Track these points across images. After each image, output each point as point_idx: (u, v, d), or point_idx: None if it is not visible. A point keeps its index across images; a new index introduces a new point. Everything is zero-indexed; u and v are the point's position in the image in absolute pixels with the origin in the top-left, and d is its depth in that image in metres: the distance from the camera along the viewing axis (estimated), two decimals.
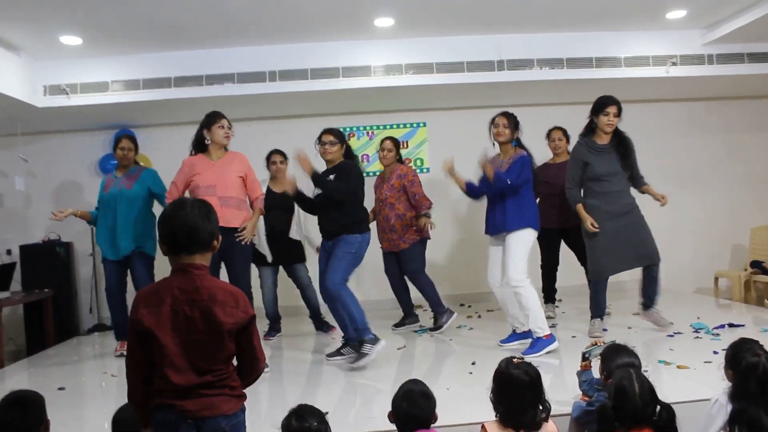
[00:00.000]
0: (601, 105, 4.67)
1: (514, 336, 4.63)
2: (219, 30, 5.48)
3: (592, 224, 4.56)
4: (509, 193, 4.43)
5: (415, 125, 7.13)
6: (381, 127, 7.03)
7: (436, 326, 5.40)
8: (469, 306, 6.53)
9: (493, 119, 4.67)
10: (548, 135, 5.76)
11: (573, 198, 4.74)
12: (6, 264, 6.22)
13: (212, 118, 4.41)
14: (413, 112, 7.12)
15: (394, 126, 7.04)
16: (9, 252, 6.73)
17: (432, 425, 2.40)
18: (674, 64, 6.14)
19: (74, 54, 5.70)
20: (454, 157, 6.26)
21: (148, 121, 6.67)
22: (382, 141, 5.59)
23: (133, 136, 5.36)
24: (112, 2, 4.76)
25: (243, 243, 4.37)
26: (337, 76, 5.96)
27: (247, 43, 5.84)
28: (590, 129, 4.75)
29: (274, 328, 5.57)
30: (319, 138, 4.53)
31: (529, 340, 4.42)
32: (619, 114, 4.63)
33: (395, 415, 2.41)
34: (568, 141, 5.71)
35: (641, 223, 4.69)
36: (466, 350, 4.59)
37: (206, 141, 4.40)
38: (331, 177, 4.42)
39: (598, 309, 4.77)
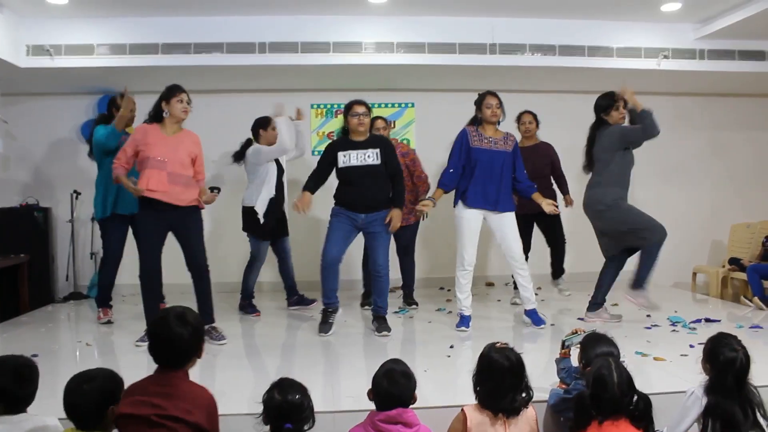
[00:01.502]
0: (611, 100, 4.74)
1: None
2: None
3: None
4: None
5: (403, 105, 7.08)
6: (371, 105, 6.95)
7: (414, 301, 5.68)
8: (448, 290, 6.52)
9: (484, 98, 4.68)
10: (518, 118, 5.76)
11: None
12: None
13: (172, 91, 4.29)
14: (402, 92, 7.05)
15: (383, 105, 6.98)
16: None
17: (410, 406, 2.38)
18: (666, 57, 6.13)
19: (59, 14, 5.56)
20: (441, 139, 6.29)
21: (133, 88, 6.50)
22: (375, 120, 5.50)
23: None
24: None
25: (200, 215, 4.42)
26: (327, 51, 5.86)
27: (238, 13, 5.71)
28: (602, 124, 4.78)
29: (252, 305, 5.53)
30: (350, 109, 4.57)
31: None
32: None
33: (375, 393, 2.40)
34: (537, 125, 5.78)
35: None
36: (444, 333, 4.59)
37: (164, 114, 4.30)
38: (373, 151, 4.53)
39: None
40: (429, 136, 6.96)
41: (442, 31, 5.97)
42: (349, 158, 4.50)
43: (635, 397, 2.35)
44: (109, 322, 5.02)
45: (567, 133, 6.01)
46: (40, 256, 6.37)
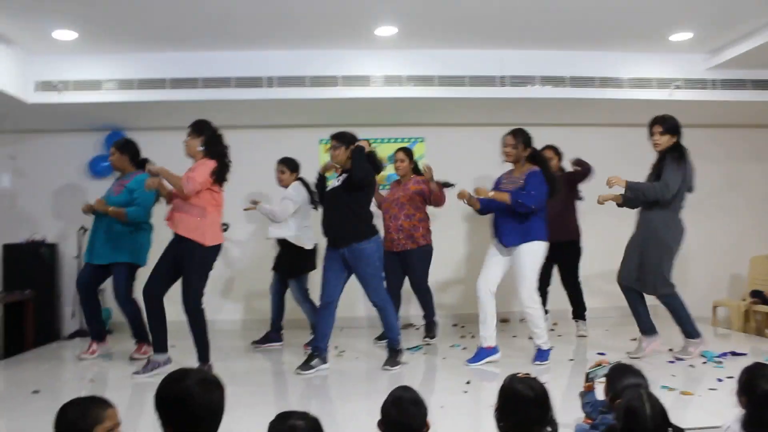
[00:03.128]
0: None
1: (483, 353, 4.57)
2: (218, 33, 5.35)
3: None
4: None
5: (413, 140, 7.01)
6: (379, 140, 6.91)
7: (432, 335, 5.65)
8: (462, 326, 6.38)
9: (503, 137, 4.65)
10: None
11: None
12: None
13: None
14: (412, 127, 6.99)
15: (392, 140, 6.91)
16: None
17: None
18: (678, 87, 6.05)
19: (68, 50, 5.55)
20: (451, 174, 6.24)
21: (141, 124, 6.51)
22: (396, 152, 5.70)
23: (121, 141, 5.19)
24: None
25: None
26: (335, 85, 5.82)
27: (246, 47, 5.70)
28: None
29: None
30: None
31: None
32: (664, 132, 4.60)
33: (384, 423, 2.25)
34: (560, 159, 5.78)
35: (645, 246, 4.58)
36: (459, 369, 4.44)
37: None
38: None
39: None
40: (439, 171, 6.86)
41: (452, 64, 5.92)
42: None
43: (670, 431, 2.20)
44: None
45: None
46: (46, 292, 6.26)
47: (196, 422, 1.94)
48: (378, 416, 2.28)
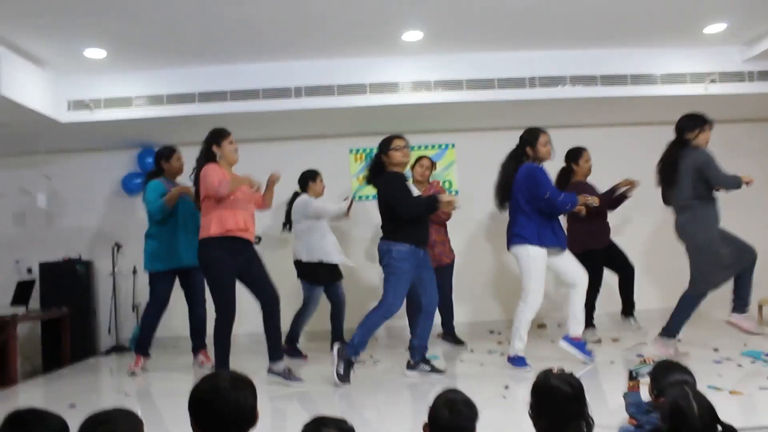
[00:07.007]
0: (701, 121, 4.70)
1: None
2: (244, 45, 5.39)
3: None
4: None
5: (443, 146, 6.95)
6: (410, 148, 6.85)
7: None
8: (499, 333, 6.27)
9: (539, 136, 4.54)
10: (581, 155, 5.54)
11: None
12: (25, 281, 6.12)
13: (222, 134, 4.33)
14: (441, 133, 6.95)
15: (423, 147, 6.85)
16: (29, 270, 6.61)
17: None
18: (713, 81, 5.91)
19: (98, 68, 5.64)
20: (482, 179, 6.15)
21: (171, 140, 6.52)
22: (420, 158, 5.70)
23: None
24: (136, 16, 4.69)
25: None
26: (364, 93, 5.81)
27: (273, 59, 5.73)
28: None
29: (297, 350, 5.44)
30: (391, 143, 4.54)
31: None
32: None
33: (433, 425, 2.17)
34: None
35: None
36: (498, 375, 4.34)
37: (217, 158, 4.28)
38: None
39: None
40: (470, 177, 6.81)
41: (480, 67, 5.88)
42: (414, 190, 4.44)
43: (720, 429, 2.10)
44: (133, 374, 4.88)
45: (617, 168, 5.81)
46: (83, 309, 6.33)
47: (223, 421, 1.89)
48: (419, 420, 2.21)
